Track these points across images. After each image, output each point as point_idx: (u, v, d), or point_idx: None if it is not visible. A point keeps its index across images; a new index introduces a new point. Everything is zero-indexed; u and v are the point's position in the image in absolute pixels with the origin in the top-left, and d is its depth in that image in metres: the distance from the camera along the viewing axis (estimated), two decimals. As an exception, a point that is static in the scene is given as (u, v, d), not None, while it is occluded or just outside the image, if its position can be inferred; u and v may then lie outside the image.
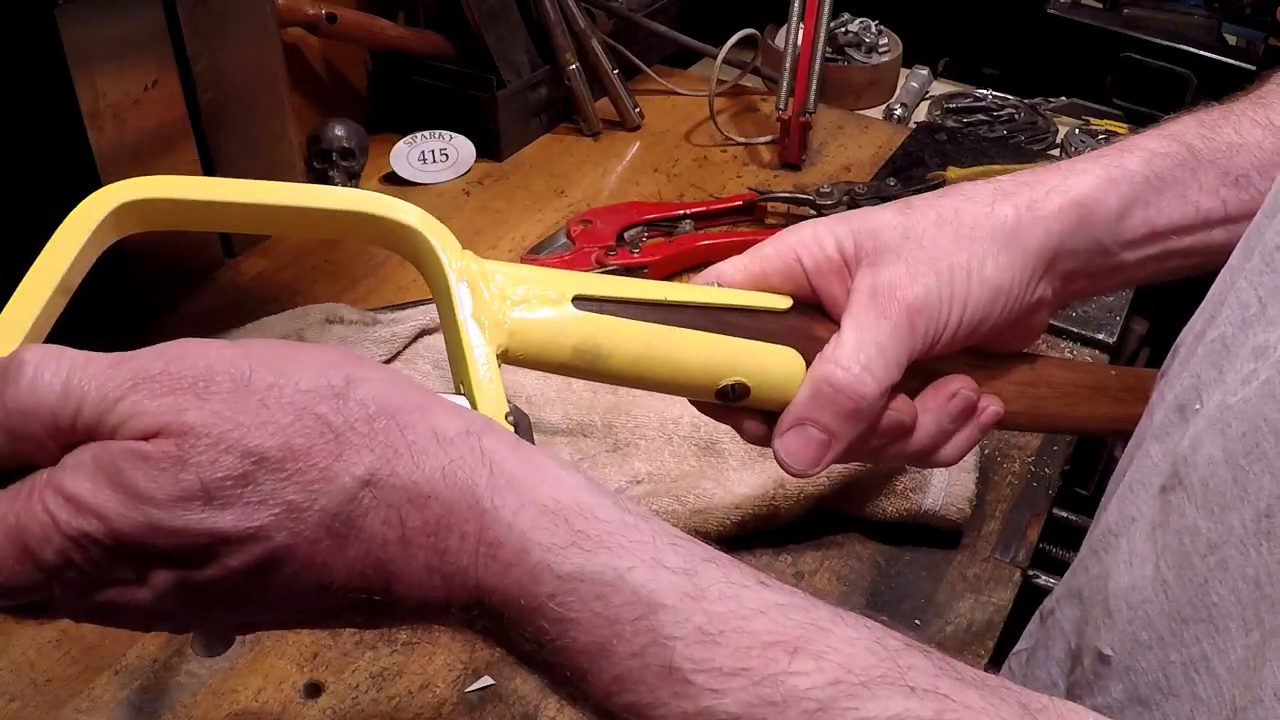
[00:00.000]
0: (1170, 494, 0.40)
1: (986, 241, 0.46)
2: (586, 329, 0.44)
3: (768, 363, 0.46)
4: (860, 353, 0.45)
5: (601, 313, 0.44)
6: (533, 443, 0.38)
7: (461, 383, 0.41)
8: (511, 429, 0.39)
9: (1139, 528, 0.41)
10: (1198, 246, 0.50)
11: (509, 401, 0.40)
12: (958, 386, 0.48)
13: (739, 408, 0.47)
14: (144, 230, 0.43)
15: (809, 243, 0.47)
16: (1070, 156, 0.73)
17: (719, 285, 0.48)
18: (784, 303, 0.48)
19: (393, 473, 0.33)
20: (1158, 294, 1.01)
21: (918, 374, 0.48)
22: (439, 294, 0.43)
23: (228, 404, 0.32)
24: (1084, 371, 0.55)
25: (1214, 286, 0.44)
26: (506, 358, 0.42)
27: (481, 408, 0.39)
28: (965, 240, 0.46)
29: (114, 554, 0.32)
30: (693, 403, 0.50)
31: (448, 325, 0.42)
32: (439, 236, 0.42)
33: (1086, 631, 0.44)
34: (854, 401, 0.45)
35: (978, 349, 0.50)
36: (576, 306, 0.44)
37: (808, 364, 0.46)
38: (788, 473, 0.47)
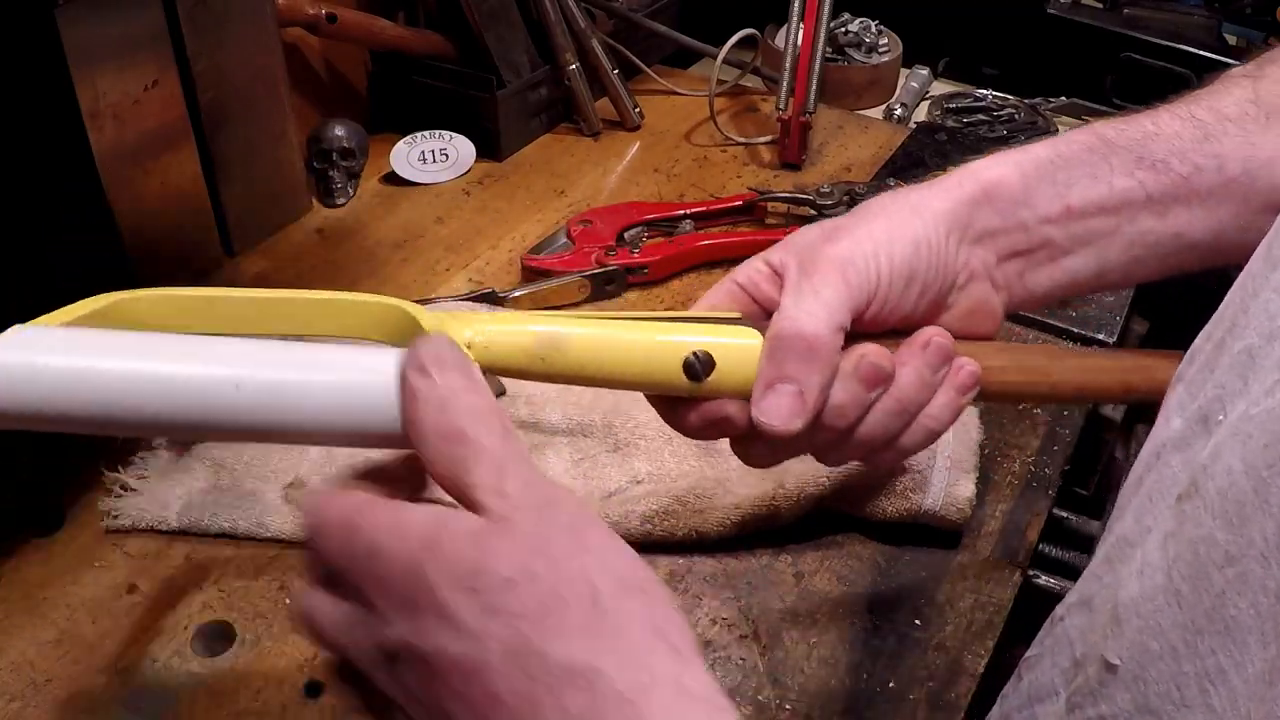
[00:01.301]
0: (1186, 503, 0.39)
1: (898, 213, 0.50)
2: (545, 330, 0.46)
3: (727, 335, 0.47)
4: (800, 303, 0.47)
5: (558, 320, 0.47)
6: (502, 389, 0.46)
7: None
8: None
9: (1153, 538, 0.41)
10: (1129, 236, 0.52)
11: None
12: (930, 335, 0.50)
13: (712, 393, 0.47)
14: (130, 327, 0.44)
15: (744, 271, 0.51)
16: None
17: None
18: (734, 314, 0.50)
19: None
20: (1158, 295, 1.00)
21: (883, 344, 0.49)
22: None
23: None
24: (1067, 351, 0.57)
25: (1231, 293, 0.44)
26: (475, 356, 0.45)
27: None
28: (880, 216, 0.50)
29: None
30: (667, 415, 0.50)
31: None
32: (414, 309, 0.45)
33: (1092, 640, 0.44)
34: (806, 341, 0.46)
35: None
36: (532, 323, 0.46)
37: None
38: (774, 435, 0.47)
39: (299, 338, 0.44)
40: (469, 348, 0.44)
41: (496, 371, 0.46)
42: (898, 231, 0.49)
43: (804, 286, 0.47)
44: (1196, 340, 0.46)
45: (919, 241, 0.49)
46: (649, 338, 0.47)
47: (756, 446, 0.49)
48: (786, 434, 0.47)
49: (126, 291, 0.44)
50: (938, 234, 0.50)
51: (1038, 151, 0.52)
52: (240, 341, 0.42)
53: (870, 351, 0.48)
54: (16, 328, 0.40)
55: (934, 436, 0.51)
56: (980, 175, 0.51)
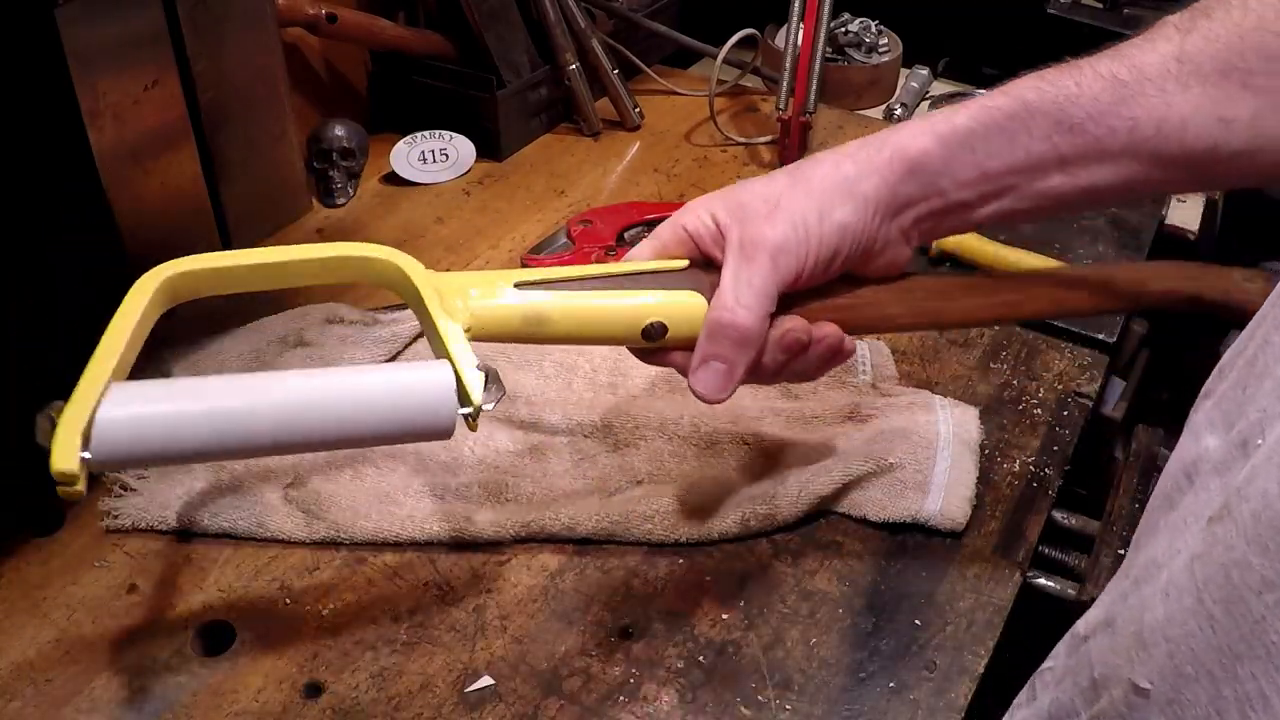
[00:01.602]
0: (1216, 526, 0.39)
1: (831, 194, 0.56)
2: (530, 303, 0.54)
3: (676, 303, 0.56)
4: (735, 293, 0.55)
5: (541, 288, 0.55)
6: (504, 391, 0.50)
7: (443, 355, 0.51)
8: (482, 375, 0.49)
9: (1180, 560, 0.41)
10: (1039, 190, 0.56)
11: (478, 358, 0.50)
12: (835, 341, 0.58)
13: (665, 346, 0.57)
14: (188, 299, 0.53)
15: (693, 219, 0.58)
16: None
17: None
18: (681, 264, 0.58)
19: None
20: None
21: (802, 303, 0.58)
22: (414, 304, 0.53)
23: None
24: (956, 278, 0.66)
25: (1264, 308, 0.44)
26: (472, 335, 0.52)
27: (457, 363, 0.49)
28: (815, 195, 0.56)
29: None
30: (634, 351, 0.59)
31: (425, 323, 0.52)
32: (408, 264, 0.53)
33: (1115, 662, 0.43)
34: (739, 332, 0.55)
35: (853, 276, 0.59)
36: (517, 288, 0.54)
37: (708, 302, 0.56)
38: (704, 402, 0.56)
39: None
40: (468, 330, 0.52)
41: (488, 339, 0.54)
42: (828, 215, 0.56)
43: (741, 274, 0.55)
44: (1226, 355, 0.45)
45: (845, 227, 0.56)
46: (616, 310, 0.56)
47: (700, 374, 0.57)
48: (716, 402, 0.56)
49: (167, 268, 0.52)
50: (864, 216, 0.56)
51: (958, 121, 0.56)
52: (308, 374, 0.49)
53: (795, 328, 0.57)
54: (115, 386, 0.46)
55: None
56: (907, 150, 0.56)
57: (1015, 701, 0.52)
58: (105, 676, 0.58)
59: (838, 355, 0.59)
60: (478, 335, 0.53)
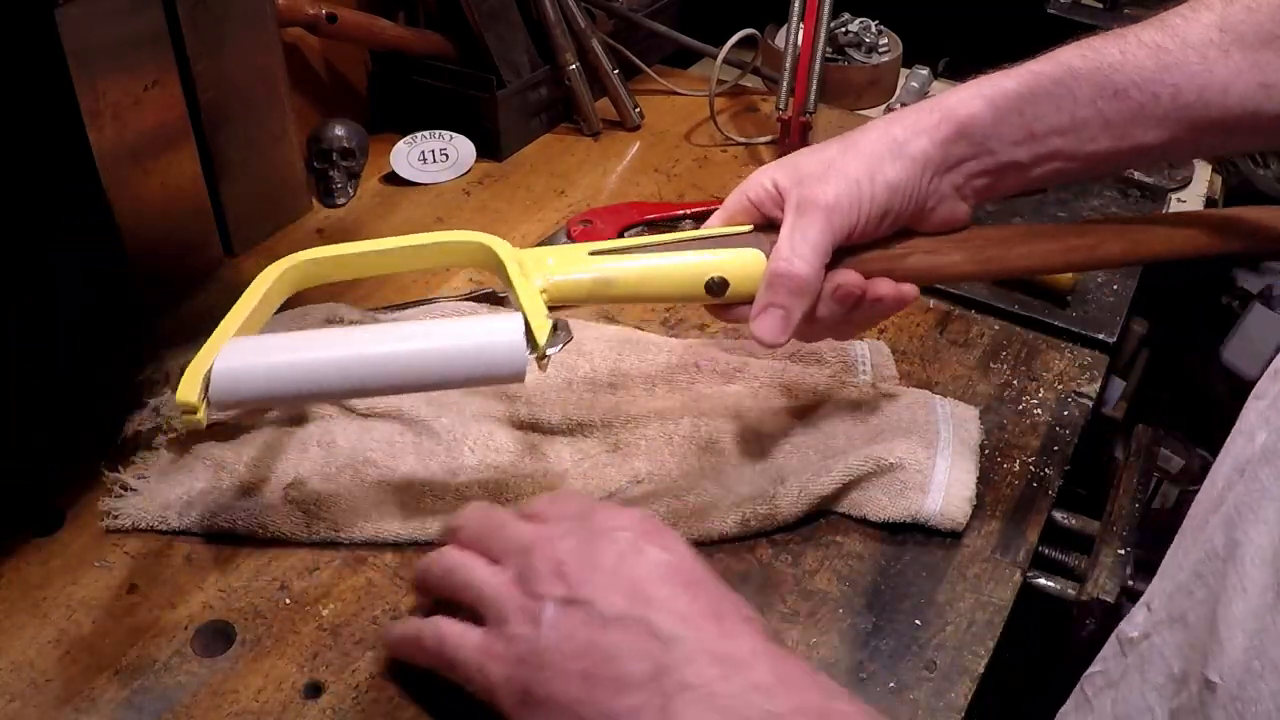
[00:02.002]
0: None
1: (881, 155, 0.60)
2: (599, 268, 0.61)
3: (737, 261, 0.61)
4: (792, 245, 0.59)
5: (610, 256, 0.61)
6: (570, 337, 0.57)
7: (525, 314, 0.57)
8: (550, 324, 0.56)
9: (1251, 552, 0.41)
10: (1088, 151, 0.60)
11: (550, 317, 0.57)
12: (890, 293, 0.62)
13: (728, 302, 0.62)
14: (309, 286, 0.64)
15: (755, 187, 0.63)
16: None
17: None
18: (745, 228, 0.63)
19: None
20: (1158, 295, 1.01)
21: (858, 255, 0.63)
22: (502, 276, 0.61)
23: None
24: (1019, 226, 0.67)
25: None
26: (549, 298, 0.59)
27: (529, 315, 0.57)
28: (865, 158, 0.60)
29: None
30: (707, 308, 0.65)
31: (510, 290, 0.60)
32: (495, 243, 0.62)
33: (1192, 657, 0.43)
34: (795, 281, 0.59)
35: (912, 231, 0.63)
36: (591, 255, 0.61)
37: (768, 259, 0.60)
38: (764, 346, 0.60)
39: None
40: (544, 292, 0.59)
41: (564, 301, 0.61)
42: (879, 175, 0.59)
43: (797, 228, 0.59)
44: (1277, 360, 0.46)
45: (895, 186, 0.59)
46: (679, 268, 0.61)
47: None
48: (774, 346, 0.60)
49: (293, 257, 0.62)
50: (914, 175, 0.60)
51: (1007, 85, 0.60)
52: (395, 325, 0.59)
53: (847, 282, 0.61)
54: (231, 340, 0.56)
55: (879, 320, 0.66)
56: (955, 112, 0.60)
57: (1062, 711, 0.52)
58: (105, 676, 0.58)
59: (898, 303, 0.63)
60: (554, 298, 0.60)
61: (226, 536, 0.66)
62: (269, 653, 0.60)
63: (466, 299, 0.84)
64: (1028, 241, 0.65)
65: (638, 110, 1.12)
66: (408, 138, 1.04)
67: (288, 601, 0.62)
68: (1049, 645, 0.68)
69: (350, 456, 0.70)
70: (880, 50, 1.21)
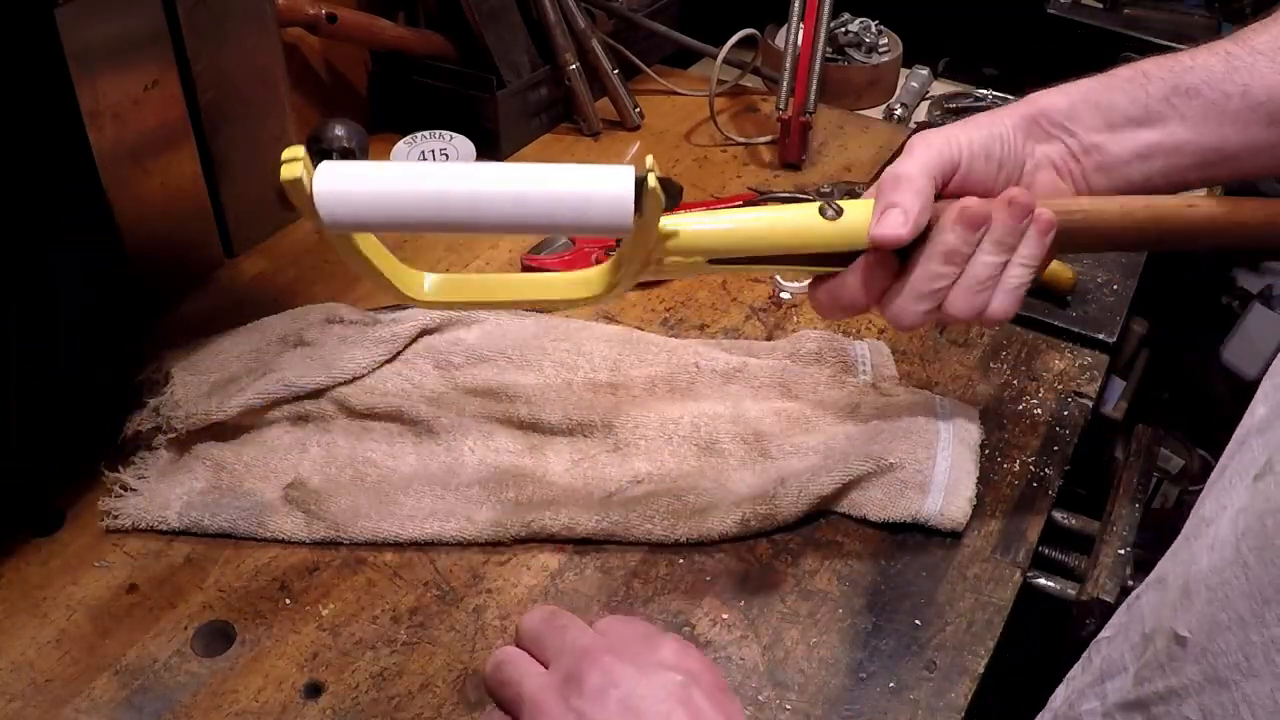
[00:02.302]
0: (1260, 481, 0.40)
1: (977, 121, 0.63)
2: (723, 226, 0.61)
3: (849, 202, 0.61)
4: (896, 163, 0.61)
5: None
6: (678, 199, 0.60)
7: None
8: (660, 183, 0.55)
9: (1227, 515, 0.42)
10: (1170, 144, 0.61)
11: (659, 176, 0.55)
12: (1012, 193, 0.61)
13: (843, 237, 0.60)
14: None
15: (946, 147, 0.63)
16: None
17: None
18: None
19: None
20: (1158, 295, 1.01)
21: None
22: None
23: None
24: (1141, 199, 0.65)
25: None
26: (678, 246, 0.60)
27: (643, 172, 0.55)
28: (966, 124, 0.63)
29: None
30: (811, 286, 0.64)
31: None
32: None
33: (1163, 614, 0.44)
34: (900, 177, 0.60)
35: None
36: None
37: None
38: (889, 241, 0.59)
39: None
40: (669, 237, 0.59)
41: (696, 254, 0.60)
42: (976, 128, 0.62)
43: (904, 156, 0.62)
44: None
45: (993, 134, 0.62)
46: (792, 213, 0.61)
47: (899, 297, 0.62)
48: (898, 239, 0.59)
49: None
50: (1008, 130, 0.62)
51: (1086, 82, 0.63)
52: (507, 166, 0.56)
53: (970, 203, 0.60)
54: (327, 164, 0.53)
55: (1028, 280, 0.62)
56: (1037, 101, 0.64)
57: (1069, 675, 0.52)
58: (105, 676, 0.58)
59: (1036, 224, 0.61)
60: (678, 253, 0.60)
61: (226, 536, 0.66)
62: (269, 653, 0.60)
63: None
64: (1145, 206, 0.63)
65: (638, 110, 1.12)
66: (408, 138, 1.04)
67: (288, 601, 0.62)
68: (1049, 645, 0.68)
69: (350, 456, 0.70)
70: (880, 50, 1.21)
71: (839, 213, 0.60)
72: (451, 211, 0.54)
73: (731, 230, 0.60)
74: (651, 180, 0.54)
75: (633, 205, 0.54)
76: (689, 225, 0.60)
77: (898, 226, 0.59)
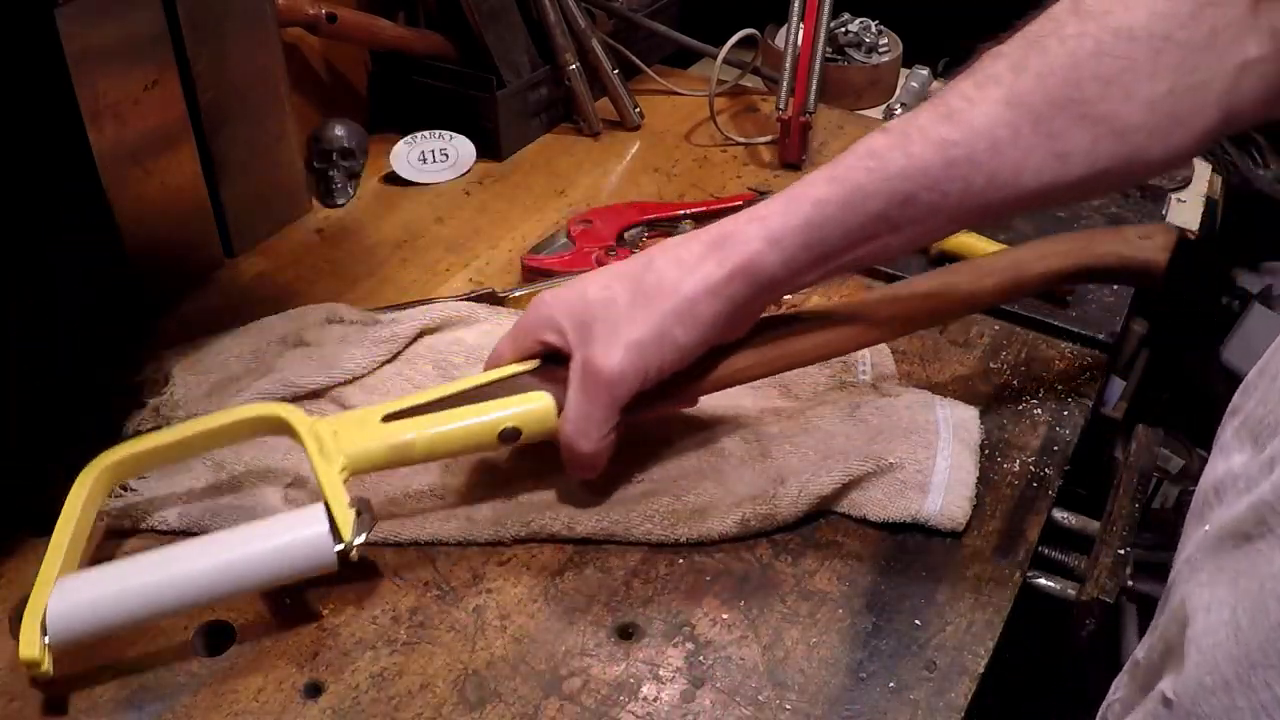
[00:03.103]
0: (1260, 542, 0.39)
1: (669, 316, 0.60)
2: (394, 436, 0.62)
3: (527, 410, 0.63)
4: (576, 422, 0.62)
5: (404, 418, 0.62)
6: (375, 522, 0.60)
7: (327, 504, 0.59)
8: (354, 513, 0.58)
9: (1225, 576, 0.41)
10: (867, 252, 0.60)
11: (351, 498, 0.59)
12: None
13: (523, 443, 0.64)
14: (128, 479, 0.67)
15: (545, 332, 0.64)
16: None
17: (495, 367, 0.66)
18: (533, 364, 0.65)
19: None
20: (1158, 296, 1.00)
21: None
22: (304, 449, 0.61)
23: None
24: (798, 314, 0.69)
25: None
26: (349, 472, 0.60)
27: (332, 504, 0.58)
28: (654, 317, 0.60)
29: None
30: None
31: (311, 466, 0.60)
32: (292, 416, 0.63)
33: (1161, 671, 0.44)
34: (584, 456, 0.63)
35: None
36: (384, 421, 0.62)
37: (556, 398, 0.63)
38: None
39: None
40: (344, 470, 0.60)
41: (365, 472, 0.62)
42: (667, 337, 0.60)
43: (582, 406, 0.61)
44: (1251, 373, 0.45)
45: (684, 350, 0.61)
46: (472, 428, 0.63)
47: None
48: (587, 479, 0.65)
49: (96, 462, 0.63)
50: (703, 336, 0.61)
51: (793, 222, 0.59)
52: (209, 539, 0.59)
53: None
54: (60, 581, 0.57)
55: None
56: (747, 268, 0.60)
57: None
58: (105, 676, 0.58)
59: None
60: (354, 471, 0.61)
61: (226, 536, 0.66)
62: (269, 653, 0.60)
63: (465, 299, 0.84)
64: (810, 335, 0.67)
65: (638, 110, 1.12)
66: (408, 138, 1.04)
67: (288, 601, 0.62)
68: (1049, 645, 0.68)
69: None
70: (880, 50, 1.22)
71: (517, 436, 0.63)
72: (163, 601, 0.57)
73: (405, 449, 0.62)
74: (345, 528, 0.58)
75: (333, 549, 0.57)
76: (360, 451, 0.61)
77: (589, 477, 0.65)
